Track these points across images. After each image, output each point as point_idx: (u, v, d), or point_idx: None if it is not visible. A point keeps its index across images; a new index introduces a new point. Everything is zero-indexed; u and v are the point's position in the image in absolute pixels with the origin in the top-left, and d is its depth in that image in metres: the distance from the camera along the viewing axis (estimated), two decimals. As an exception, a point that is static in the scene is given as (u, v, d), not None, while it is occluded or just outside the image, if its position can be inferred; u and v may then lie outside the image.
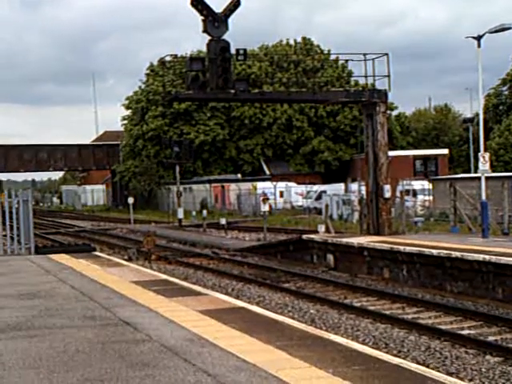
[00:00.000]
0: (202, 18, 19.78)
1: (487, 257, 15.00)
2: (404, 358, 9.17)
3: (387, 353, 8.81)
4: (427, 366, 8.84)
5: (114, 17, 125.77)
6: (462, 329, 12.26)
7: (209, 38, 19.91)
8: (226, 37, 19.87)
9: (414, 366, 6.40)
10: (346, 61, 46.01)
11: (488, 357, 10.28)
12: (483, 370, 9.57)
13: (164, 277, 13.44)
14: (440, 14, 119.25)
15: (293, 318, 11.60)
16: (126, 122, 63.25)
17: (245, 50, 20.49)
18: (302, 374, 5.93)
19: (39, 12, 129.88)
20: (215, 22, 19.71)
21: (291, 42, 60.74)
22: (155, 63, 60.04)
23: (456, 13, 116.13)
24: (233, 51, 20.04)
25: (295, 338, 7.36)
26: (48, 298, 10.41)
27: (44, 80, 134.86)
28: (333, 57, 55.10)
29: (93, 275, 12.96)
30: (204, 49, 20.58)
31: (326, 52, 56.31)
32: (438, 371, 8.55)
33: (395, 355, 9.12)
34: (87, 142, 76.18)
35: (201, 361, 6.42)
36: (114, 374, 6.07)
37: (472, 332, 11.96)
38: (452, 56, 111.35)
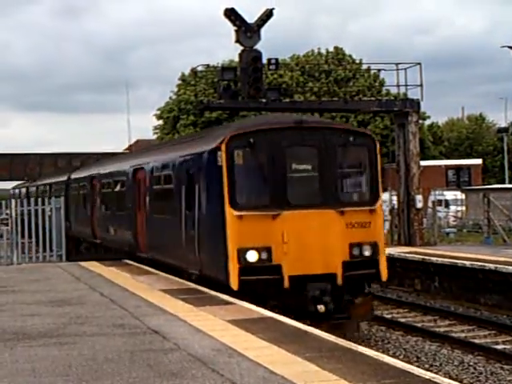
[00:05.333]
0: (235, 28, 19.87)
1: (522, 269, 14.68)
2: (436, 373, 8.98)
3: (419, 367, 8.64)
4: (461, 382, 8.65)
5: (148, 27, 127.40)
6: (497, 343, 11.98)
7: (241, 47, 19.99)
8: (257, 46, 19.93)
9: (447, 382, 6.24)
10: (379, 70, 45.92)
11: (525, 373, 10.00)
12: (519, 386, 9.32)
13: (193, 285, 13.43)
14: (476, 22, 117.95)
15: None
16: (157, 131, 63.82)
17: (276, 59, 20.54)
18: (331, 387, 5.84)
19: (76, 22, 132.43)
20: (248, 33, 19.78)
21: (323, 51, 60.60)
22: (186, 73, 60.44)
23: (492, 21, 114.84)
24: (264, 60, 20.09)
25: (324, 350, 7.26)
26: (78, 306, 10.48)
27: (78, 89, 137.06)
28: (365, 66, 54.81)
29: (122, 283, 13.02)
30: (236, 57, 20.64)
31: (357, 61, 56.01)
32: (472, 387, 8.36)
33: (427, 369, 8.95)
34: (120, 150, 76.95)
35: (229, 371, 6.37)
36: (142, 384, 6.06)
37: (507, 347, 11.67)
38: (486, 65, 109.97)
